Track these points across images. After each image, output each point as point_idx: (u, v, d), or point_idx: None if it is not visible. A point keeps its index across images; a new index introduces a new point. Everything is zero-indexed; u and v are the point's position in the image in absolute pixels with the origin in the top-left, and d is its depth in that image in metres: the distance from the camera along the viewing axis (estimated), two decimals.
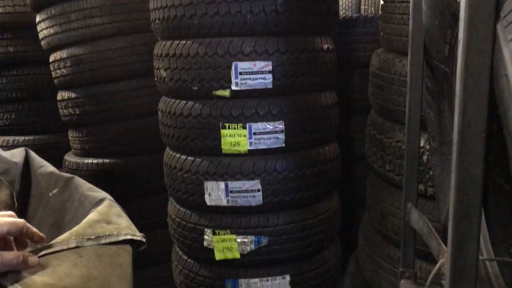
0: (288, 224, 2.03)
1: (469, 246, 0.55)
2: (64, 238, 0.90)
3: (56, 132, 3.14)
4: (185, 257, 2.20)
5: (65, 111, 2.76)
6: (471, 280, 0.59)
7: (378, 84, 1.70)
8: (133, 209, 2.52)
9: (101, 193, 1.12)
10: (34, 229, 0.86)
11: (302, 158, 2.02)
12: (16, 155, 1.24)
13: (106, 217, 1.00)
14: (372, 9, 3.64)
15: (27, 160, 1.25)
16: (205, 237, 2.05)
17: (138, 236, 0.99)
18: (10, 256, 0.78)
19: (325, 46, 2.04)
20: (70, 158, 2.87)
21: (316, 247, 2.11)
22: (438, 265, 0.74)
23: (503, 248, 0.72)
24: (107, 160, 2.64)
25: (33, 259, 0.81)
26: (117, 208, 1.06)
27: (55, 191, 1.18)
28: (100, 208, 1.03)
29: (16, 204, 1.18)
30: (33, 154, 1.29)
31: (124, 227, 0.99)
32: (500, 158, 0.59)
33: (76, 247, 0.89)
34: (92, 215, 0.99)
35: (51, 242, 0.88)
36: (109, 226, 0.97)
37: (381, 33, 1.74)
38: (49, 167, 1.24)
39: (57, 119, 2.90)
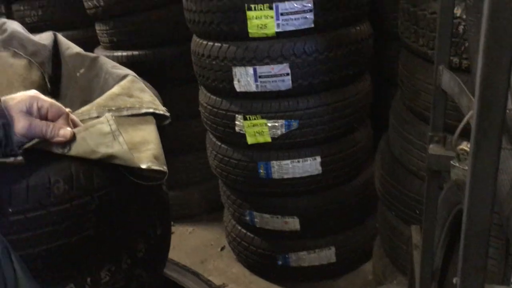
0: (318, 107, 2.03)
1: (499, 78, 0.53)
2: (86, 109, 0.93)
3: (84, 27, 3.13)
4: (219, 143, 2.27)
5: (89, 3, 2.71)
6: (497, 125, 0.58)
7: None
8: (165, 100, 2.56)
9: (125, 70, 1.13)
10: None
11: (332, 39, 1.95)
12: (45, 38, 1.26)
13: (128, 91, 1.00)
14: None
15: (56, 42, 1.27)
16: (237, 122, 2.09)
17: (161, 110, 1.00)
18: (41, 123, 0.79)
19: None
20: (100, 52, 2.88)
21: (346, 129, 2.12)
22: (466, 117, 0.73)
23: None
24: (136, 52, 2.64)
25: (64, 131, 0.81)
26: (141, 84, 1.06)
27: (82, 70, 1.20)
28: (122, 82, 1.04)
29: (48, 85, 1.22)
30: (60, 36, 1.30)
31: (147, 101, 1.00)
32: None
33: (98, 117, 0.92)
34: (114, 89, 1.00)
35: (74, 112, 0.91)
36: (130, 99, 0.98)
37: None
38: (76, 48, 1.26)
39: (84, 12, 2.87)
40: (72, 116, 0.87)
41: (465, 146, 0.79)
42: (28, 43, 1.22)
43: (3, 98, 0.77)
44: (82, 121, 0.90)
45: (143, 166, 0.84)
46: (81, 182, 0.81)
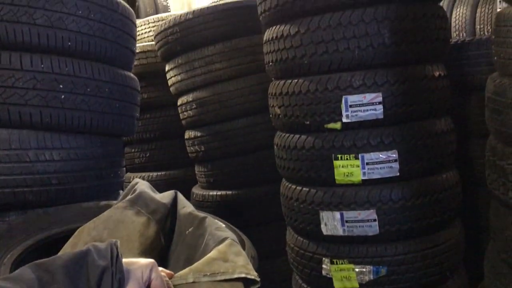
0: (407, 254, 1.99)
1: None
2: (184, 274, 1.02)
3: (184, 167, 3.46)
4: (305, 285, 2.27)
5: (192, 148, 3.05)
6: None
7: (495, 109, 1.64)
8: (254, 237, 2.66)
9: (226, 233, 1.21)
10: None
11: (419, 187, 1.99)
12: (166, 196, 1.43)
13: (224, 256, 1.08)
14: (489, 27, 3.46)
15: (175, 201, 1.43)
16: (323, 266, 2.10)
17: (252, 275, 1.05)
18: None
19: (437, 73, 2.02)
20: (197, 190, 3.14)
21: (438, 277, 2.04)
22: None
23: None
24: (229, 192, 2.85)
25: None
26: (237, 248, 1.14)
27: (191, 229, 1.32)
28: (220, 246, 1.12)
29: (163, 240, 1.36)
30: (180, 196, 1.46)
31: (240, 265, 1.06)
32: None
33: (193, 282, 1.00)
34: (212, 253, 1.09)
35: (174, 276, 1.01)
36: (225, 264, 1.05)
37: (495, 57, 1.69)
38: (189, 208, 1.40)
39: (185, 155, 3.21)
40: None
41: None
42: (151, 202, 1.40)
43: (126, 260, 0.91)
44: (179, 285, 0.99)
45: None
46: None
